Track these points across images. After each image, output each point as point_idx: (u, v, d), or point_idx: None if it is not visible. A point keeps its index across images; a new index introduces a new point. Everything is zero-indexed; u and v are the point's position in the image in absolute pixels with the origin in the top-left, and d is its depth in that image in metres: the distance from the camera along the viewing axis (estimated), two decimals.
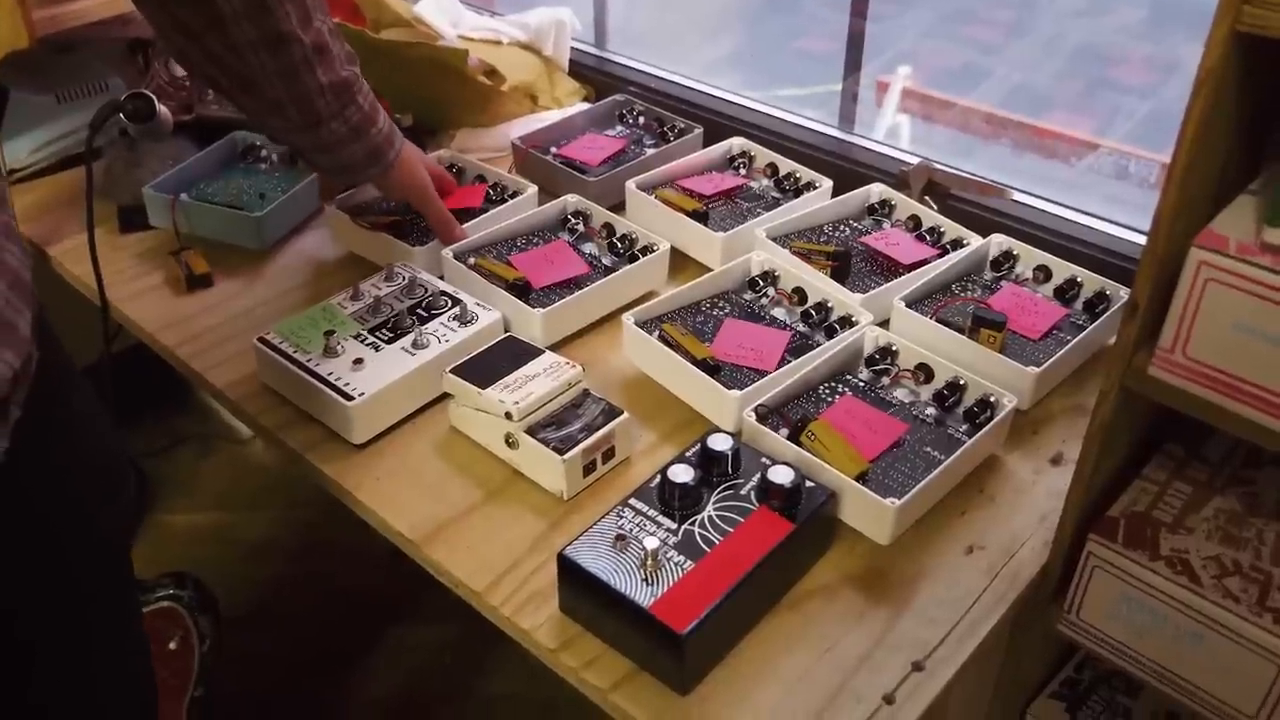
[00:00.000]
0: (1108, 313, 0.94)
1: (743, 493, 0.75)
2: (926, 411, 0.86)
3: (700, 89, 1.38)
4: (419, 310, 0.94)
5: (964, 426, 0.85)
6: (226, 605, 1.34)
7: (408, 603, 1.51)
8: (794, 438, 0.80)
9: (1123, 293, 0.95)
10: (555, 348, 0.95)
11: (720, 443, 0.77)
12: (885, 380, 0.89)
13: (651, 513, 0.74)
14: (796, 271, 0.97)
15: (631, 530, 0.73)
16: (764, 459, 0.78)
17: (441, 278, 0.99)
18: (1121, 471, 0.81)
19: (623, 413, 0.84)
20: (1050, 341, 0.93)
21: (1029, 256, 1.01)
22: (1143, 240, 1.05)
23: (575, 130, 1.24)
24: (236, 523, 1.67)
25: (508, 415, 0.82)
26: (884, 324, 0.94)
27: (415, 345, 0.90)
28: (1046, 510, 0.83)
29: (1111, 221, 1.09)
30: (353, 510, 0.85)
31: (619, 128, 1.26)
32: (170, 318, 1.02)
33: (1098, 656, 0.78)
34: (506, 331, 0.94)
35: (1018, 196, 1.11)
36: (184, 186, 1.12)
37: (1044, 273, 1.00)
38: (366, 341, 0.91)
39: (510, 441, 0.84)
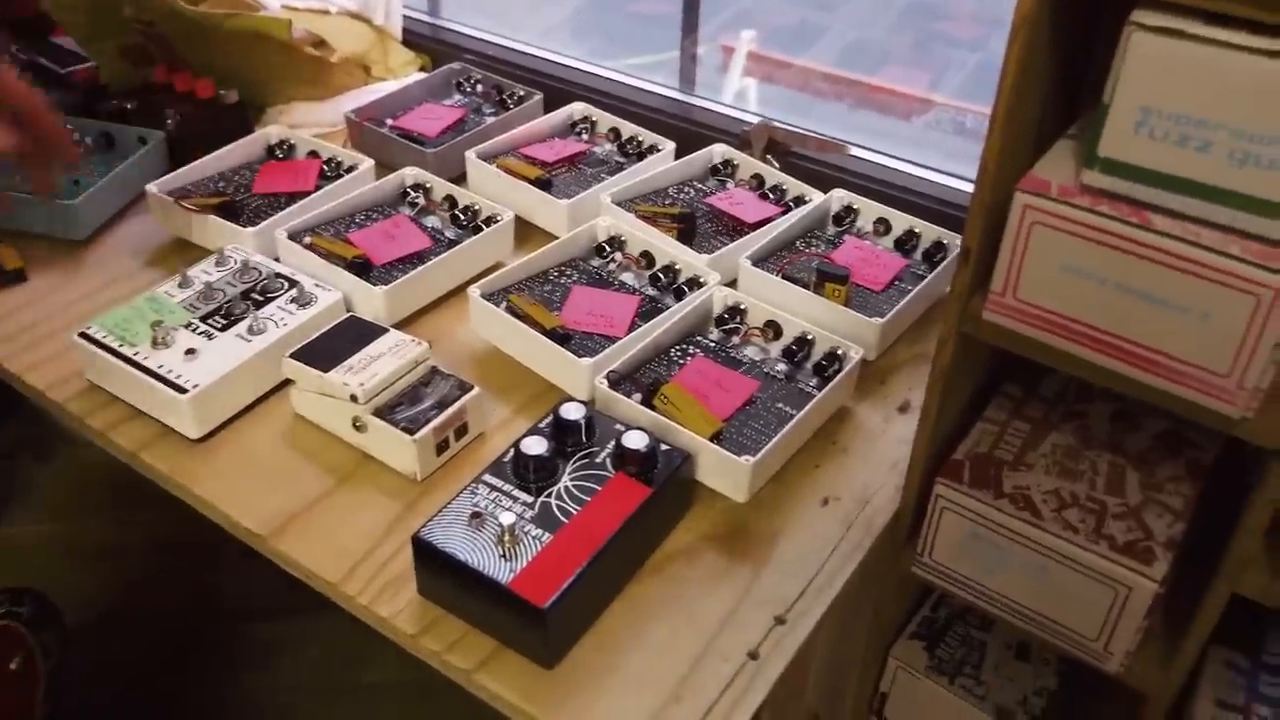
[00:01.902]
0: (945, 261, 0.96)
1: (598, 461, 0.75)
2: (777, 368, 0.87)
3: (539, 54, 1.35)
4: (254, 294, 0.90)
5: (814, 380, 0.86)
6: (74, 617, 1.27)
7: (267, 599, 1.46)
8: (647, 402, 0.80)
9: (959, 241, 0.97)
10: (400, 326, 0.92)
11: (572, 412, 0.76)
12: (735, 339, 0.89)
13: (507, 487, 0.73)
14: (643, 235, 0.97)
15: (487, 507, 0.71)
16: (618, 425, 0.77)
17: (276, 259, 0.95)
18: (965, 415, 0.83)
19: (474, 388, 0.82)
20: (893, 292, 0.95)
21: (869, 210, 1.02)
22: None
23: (412, 101, 1.20)
24: (79, 530, 1.59)
25: (353, 398, 0.79)
26: (732, 283, 0.94)
27: (251, 331, 0.86)
28: (897, 458, 0.84)
29: (944, 172, 1.12)
30: (196, 509, 0.81)
31: (457, 97, 1.23)
32: None
33: (951, 595, 0.81)
34: (348, 312, 0.91)
35: (855, 152, 1.13)
36: None
37: (884, 225, 1.01)
38: (199, 330, 0.86)
39: (358, 425, 0.81)
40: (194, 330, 0.86)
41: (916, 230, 1.00)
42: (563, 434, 0.76)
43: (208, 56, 1.15)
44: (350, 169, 1.06)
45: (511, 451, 0.74)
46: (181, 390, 0.81)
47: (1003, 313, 0.67)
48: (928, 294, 0.95)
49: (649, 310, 0.92)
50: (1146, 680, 0.75)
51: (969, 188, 1.08)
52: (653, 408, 0.79)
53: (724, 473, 0.77)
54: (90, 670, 1.34)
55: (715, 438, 0.78)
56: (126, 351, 0.84)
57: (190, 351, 0.84)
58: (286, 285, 0.91)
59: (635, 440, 0.74)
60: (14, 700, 1.16)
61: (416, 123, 1.15)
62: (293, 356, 0.83)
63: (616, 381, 0.82)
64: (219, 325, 0.87)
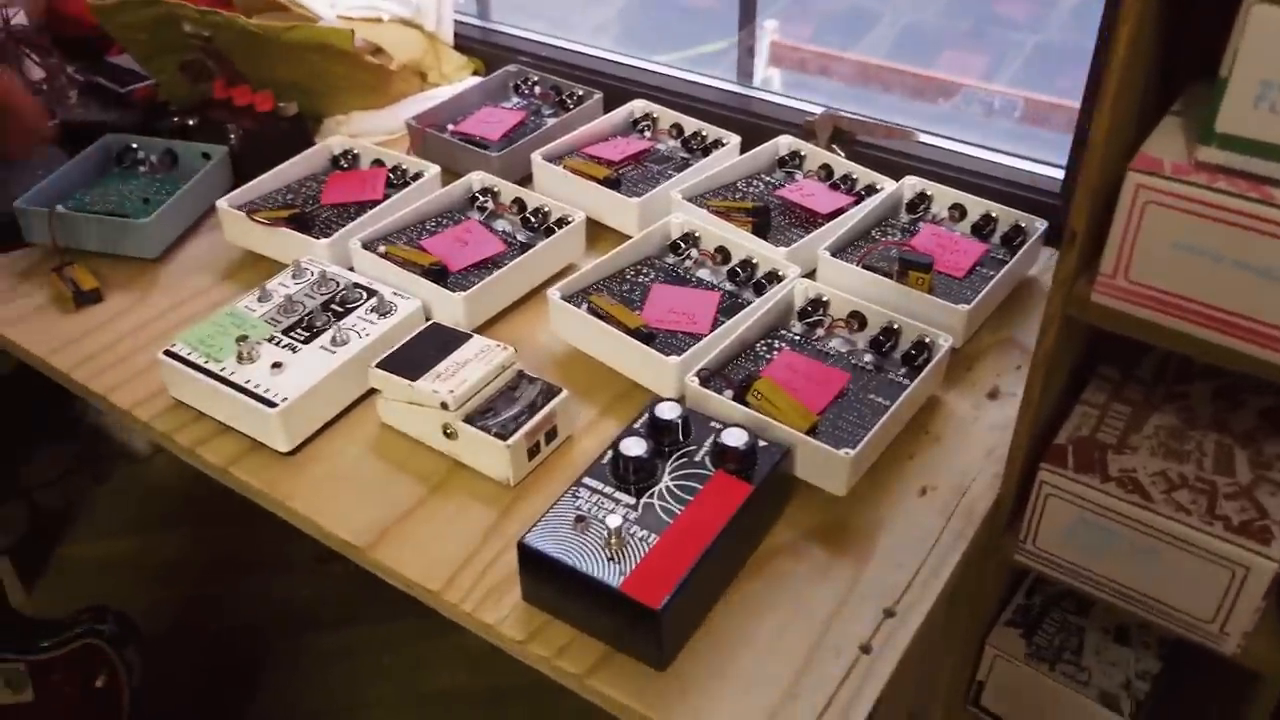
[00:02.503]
0: (1026, 245, 0.95)
1: (697, 459, 0.74)
2: (864, 359, 0.86)
3: (594, 54, 1.35)
4: (333, 305, 0.90)
5: (903, 370, 0.85)
6: (148, 632, 1.28)
7: (338, 608, 1.47)
8: (740, 398, 0.79)
9: (1038, 224, 0.96)
10: (479, 331, 0.92)
11: (668, 411, 0.75)
12: (820, 331, 0.88)
13: (608, 490, 0.72)
14: (718, 230, 0.96)
15: (590, 510, 0.71)
16: (713, 423, 0.76)
17: (351, 269, 0.95)
18: (1062, 399, 0.82)
19: (561, 391, 0.82)
20: (975, 278, 0.93)
21: (943, 196, 1.01)
22: (1049, 172, 1.08)
23: (470, 106, 1.20)
24: (146, 546, 1.60)
25: (443, 405, 0.79)
26: (810, 275, 0.93)
27: (335, 342, 0.86)
28: (991, 444, 0.83)
29: (1017, 155, 1.10)
30: (287, 521, 0.81)
31: (515, 99, 1.22)
32: (60, 339, 0.96)
33: (1054, 581, 0.79)
34: (428, 319, 0.90)
35: (923, 138, 1.12)
36: (59, 198, 1.05)
37: (959, 211, 1.00)
38: (282, 344, 0.86)
39: (448, 432, 0.81)
40: (278, 344, 0.86)
41: (994, 214, 0.98)
42: (660, 434, 0.75)
43: (267, 69, 1.15)
44: (417, 176, 1.06)
45: (610, 453, 0.74)
46: (271, 404, 0.81)
47: (1113, 294, 0.65)
48: (1010, 279, 0.93)
49: (729, 306, 0.91)
50: (1263, 660, 0.74)
51: (1044, 170, 1.09)
52: (746, 404, 0.78)
53: (822, 467, 0.76)
54: (168, 685, 1.35)
55: (811, 431, 0.77)
56: (213, 368, 0.84)
57: (276, 365, 0.84)
58: (365, 295, 0.91)
59: (734, 438, 0.73)
60: (102, 717, 1.17)
61: (478, 127, 1.15)
62: (379, 366, 0.82)
63: (707, 379, 0.81)
64: (302, 338, 0.87)
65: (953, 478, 0.81)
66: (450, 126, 1.15)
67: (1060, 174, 1.06)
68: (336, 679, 1.40)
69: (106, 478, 1.72)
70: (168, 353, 0.86)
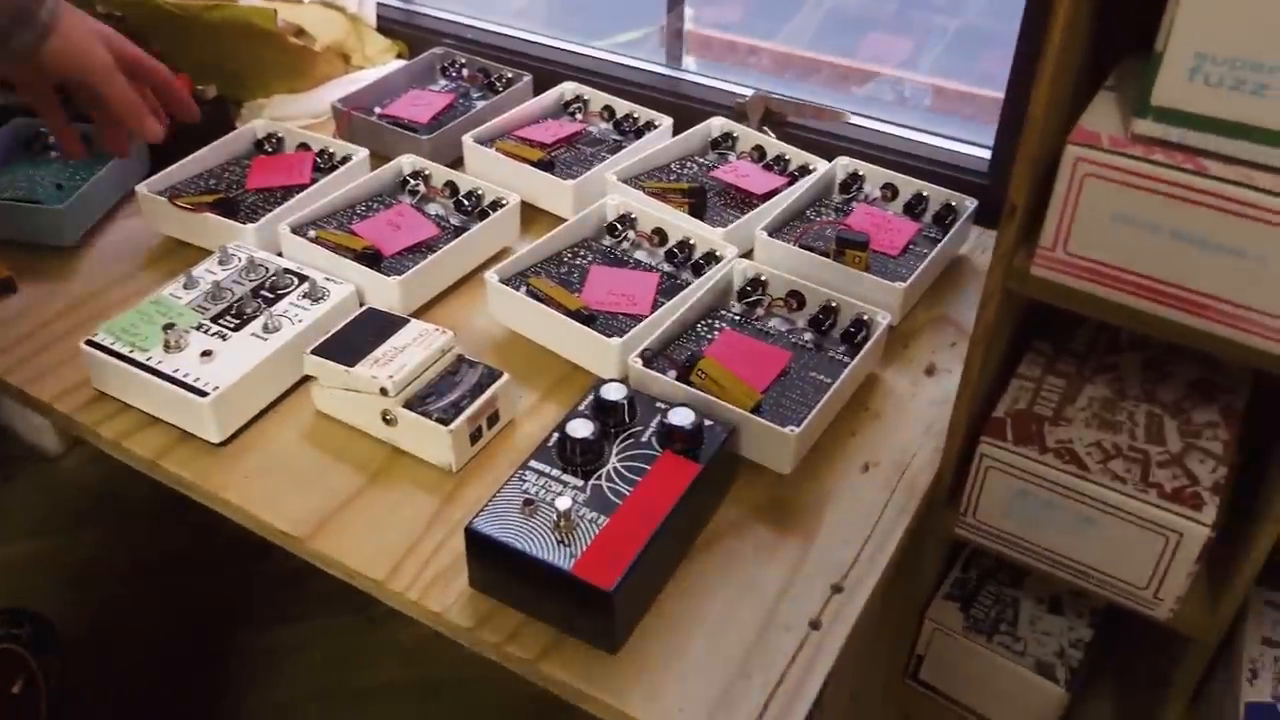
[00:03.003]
0: (958, 223, 0.96)
1: (643, 440, 0.74)
2: (804, 337, 0.86)
3: (520, 35, 1.33)
4: (263, 291, 0.88)
5: (842, 348, 0.85)
6: (67, 635, 1.23)
7: (265, 606, 1.43)
8: (683, 378, 0.79)
9: (968, 203, 0.97)
10: (416, 316, 0.90)
11: (614, 392, 0.75)
12: (759, 311, 0.89)
13: (555, 472, 0.71)
14: (655, 212, 0.96)
15: (538, 493, 0.70)
16: (658, 403, 0.76)
17: (280, 255, 0.93)
18: (998, 374, 0.83)
19: (503, 374, 0.81)
20: (909, 256, 0.94)
21: (875, 176, 1.02)
22: (975, 152, 1.10)
23: (397, 89, 1.17)
24: (62, 547, 1.54)
25: (383, 391, 0.77)
26: (747, 255, 0.93)
27: (266, 329, 0.84)
28: (930, 419, 0.84)
29: (944, 136, 1.12)
30: (209, 518, 0.79)
31: (443, 82, 1.20)
32: None
33: (992, 553, 0.81)
34: (362, 304, 0.88)
35: (853, 119, 1.13)
36: None
37: (891, 190, 1.01)
38: (211, 331, 0.83)
39: (388, 419, 0.79)
40: (206, 331, 0.83)
41: (925, 194, 1.00)
42: (605, 415, 0.74)
43: (185, 51, 1.11)
44: (345, 160, 1.04)
45: (556, 436, 0.73)
46: (202, 394, 0.78)
47: (1053, 267, 0.66)
48: (943, 256, 0.95)
49: (669, 287, 0.91)
50: (1194, 625, 0.76)
51: (971, 150, 1.10)
52: (690, 384, 0.78)
53: (768, 445, 0.76)
54: (88, 690, 1.30)
55: (755, 410, 0.77)
56: (139, 357, 0.81)
57: (206, 353, 0.81)
58: (296, 281, 0.89)
59: (681, 417, 0.73)
60: None
61: (406, 110, 1.12)
62: (314, 353, 0.80)
63: (650, 359, 0.81)
64: (232, 325, 0.84)
65: (894, 453, 0.82)
66: (377, 110, 1.13)
67: (987, 154, 1.08)
68: (266, 677, 1.37)
69: (13, 477, 1.65)
70: (90, 343, 0.83)
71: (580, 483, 0.71)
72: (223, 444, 0.81)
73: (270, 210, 0.96)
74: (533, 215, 1.02)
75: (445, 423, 0.77)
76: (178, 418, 0.81)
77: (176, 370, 0.80)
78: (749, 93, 1.14)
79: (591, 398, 0.76)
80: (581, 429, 0.72)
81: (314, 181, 1.01)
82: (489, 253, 0.98)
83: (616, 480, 0.71)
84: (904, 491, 0.79)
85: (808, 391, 0.81)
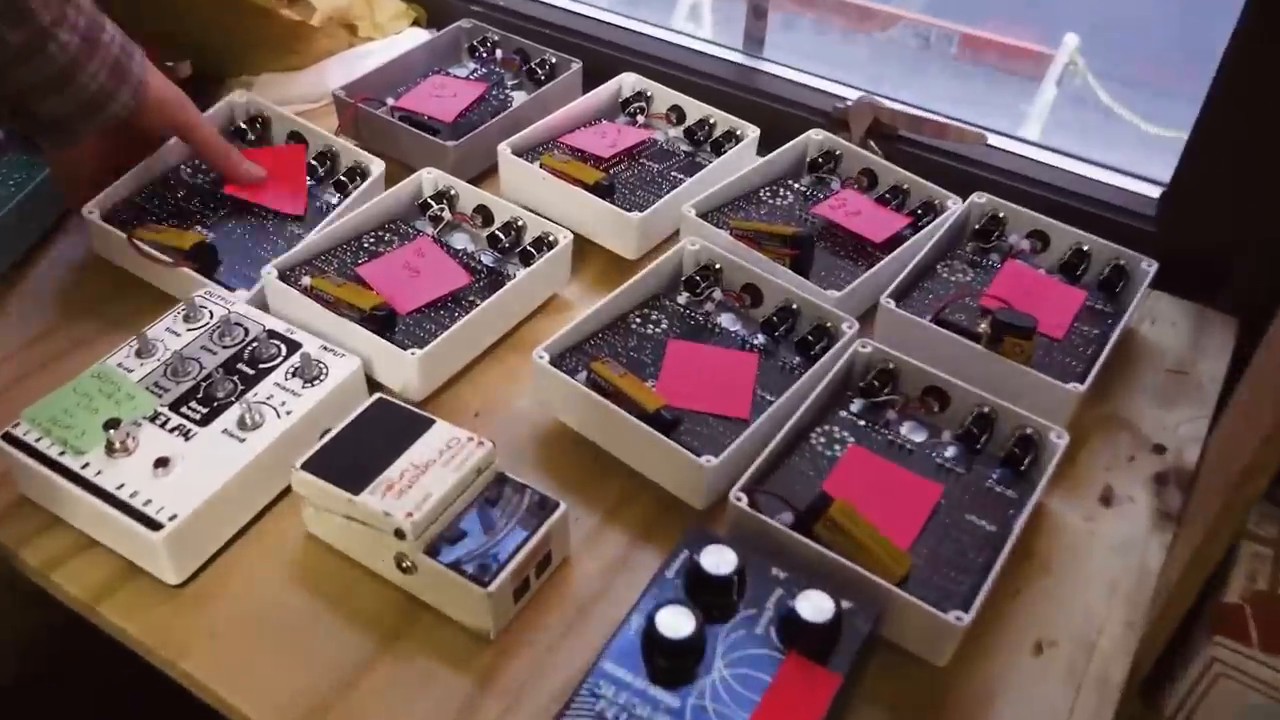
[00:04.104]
0: (1137, 296, 0.75)
1: (758, 633, 0.53)
2: (946, 454, 0.66)
3: (567, 7, 1.10)
4: (240, 365, 0.67)
5: (996, 472, 0.65)
6: None
7: None
8: (803, 524, 0.59)
9: (1145, 265, 0.76)
10: (438, 393, 0.70)
11: (719, 563, 0.54)
12: (890, 414, 0.68)
13: (639, 684, 0.51)
14: (747, 263, 0.74)
15: (618, 716, 0.50)
16: (774, 570, 0.56)
17: (265, 307, 0.72)
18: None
19: (559, 505, 0.60)
20: (1075, 339, 0.73)
21: (1018, 219, 0.81)
22: (1137, 187, 0.88)
23: (414, 71, 0.95)
24: None
25: (398, 534, 0.57)
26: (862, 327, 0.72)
27: (244, 424, 0.63)
28: (1114, 575, 0.64)
29: (1099, 165, 0.90)
30: (172, 679, 0.59)
31: (471, 65, 0.98)
32: None
33: None
34: (370, 388, 0.68)
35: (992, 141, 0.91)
36: None
37: (1041, 241, 0.80)
38: (170, 425, 0.63)
39: (404, 566, 0.59)
40: (164, 425, 0.62)
41: (1085, 248, 0.78)
42: (704, 593, 0.54)
43: (154, 21, 0.88)
44: (353, 174, 0.81)
45: (640, 625, 0.53)
46: (154, 525, 0.58)
47: None
48: (1119, 340, 0.74)
49: (768, 371, 0.70)
50: None
51: (1128, 184, 0.88)
52: (813, 535, 0.58)
53: (921, 631, 0.56)
54: None
55: (905, 580, 0.57)
56: (71, 463, 0.60)
57: (162, 462, 0.60)
58: (284, 349, 0.67)
59: (815, 609, 0.52)
60: None
61: (426, 102, 0.90)
62: (307, 468, 0.60)
63: (756, 494, 0.60)
64: (197, 416, 0.63)
65: (1074, 627, 0.61)
66: (390, 101, 0.91)
67: (1154, 191, 0.87)
68: None
69: None
70: (7, 436, 0.62)
71: (675, 703, 0.50)
72: (183, 584, 0.61)
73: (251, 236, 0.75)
74: (584, 247, 0.81)
75: (483, 582, 0.56)
76: (124, 547, 0.61)
77: (121, 487, 0.59)
78: (853, 96, 0.92)
79: (683, 562, 0.55)
80: (678, 623, 0.51)
81: (312, 199, 0.80)
82: (532, 305, 0.77)
83: (726, 699, 0.51)
84: (1094, 689, 0.59)
85: (965, 545, 0.60)
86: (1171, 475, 0.70)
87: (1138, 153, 1.06)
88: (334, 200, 0.81)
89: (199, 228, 0.78)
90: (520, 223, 0.78)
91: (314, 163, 0.83)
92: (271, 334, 0.68)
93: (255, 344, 0.67)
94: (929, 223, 0.81)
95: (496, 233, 0.78)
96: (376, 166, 0.81)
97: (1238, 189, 0.80)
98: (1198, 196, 0.82)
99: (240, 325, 0.69)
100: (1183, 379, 0.77)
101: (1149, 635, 0.59)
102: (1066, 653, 0.60)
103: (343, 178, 0.81)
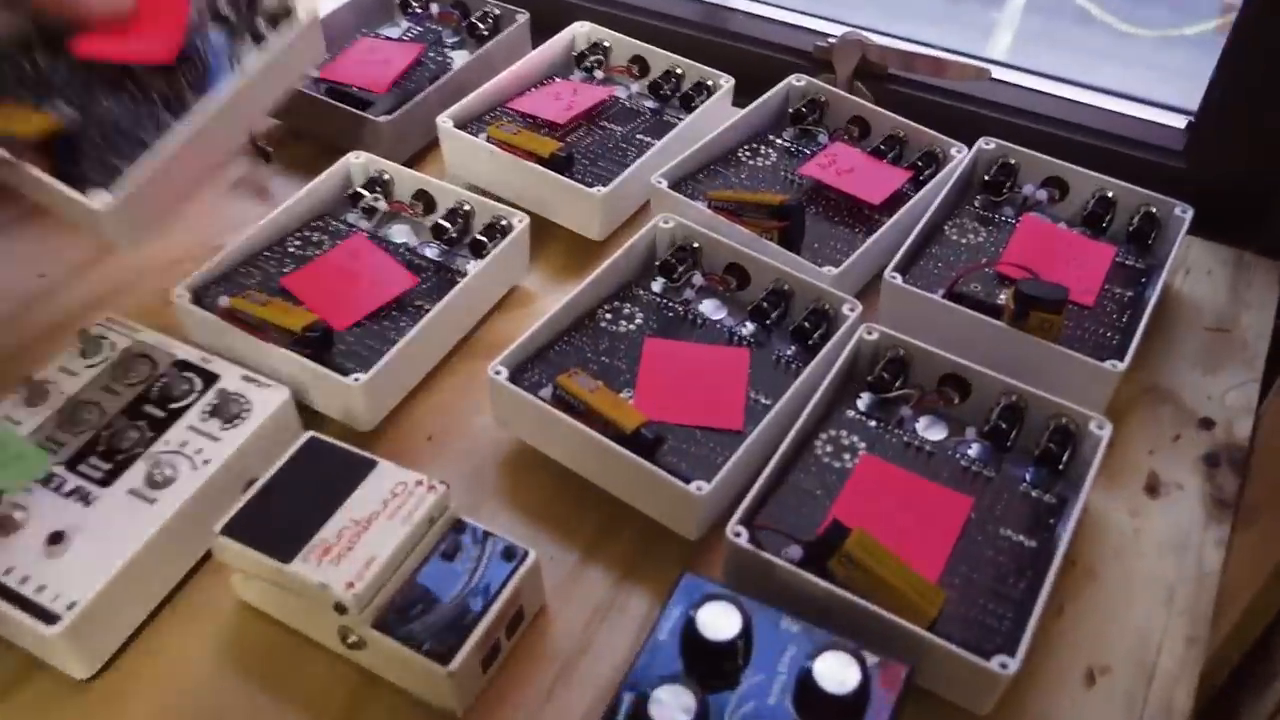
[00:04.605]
0: (1175, 246, 0.65)
1: (770, 702, 0.45)
2: (971, 454, 0.57)
3: None
4: (147, 406, 0.57)
5: (1030, 472, 0.56)
6: None
7: None
8: (814, 559, 0.50)
9: (1179, 211, 0.67)
10: (388, 417, 0.61)
11: (720, 625, 0.45)
12: (905, 411, 0.59)
13: None
14: (729, 240, 0.65)
15: None
16: (784, 623, 0.47)
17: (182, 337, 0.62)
18: None
19: (527, 554, 0.52)
20: (1107, 303, 0.64)
21: (1033, 166, 0.71)
22: (1159, 117, 0.78)
23: (339, 34, 0.84)
24: None
25: (339, 608, 0.48)
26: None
27: (152, 482, 0.54)
28: (1169, 579, 0.56)
29: (1119, 95, 0.80)
30: None
31: (404, 24, 0.87)
32: None
33: None
34: (303, 425, 0.59)
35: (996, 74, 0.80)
36: None
37: (1060, 189, 0.71)
38: (66, 488, 0.53)
39: (351, 642, 0.50)
40: (58, 488, 0.53)
41: (1110, 194, 0.69)
42: (704, 658, 0.46)
43: None
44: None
45: (629, 704, 0.44)
46: (50, 619, 0.49)
47: None
48: (1160, 300, 0.64)
49: (761, 367, 0.61)
50: None
51: (1153, 115, 0.79)
52: (827, 573, 0.49)
53: (963, 682, 0.48)
54: None
55: (937, 620, 0.49)
56: None
57: (56, 538, 0.51)
58: (198, 384, 0.58)
59: (836, 676, 0.44)
60: None
61: (355, 71, 0.79)
62: (228, 533, 0.51)
63: (755, 525, 0.51)
64: (98, 475, 0.54)
65: (1128, 647, 0.53)
66: (314, 72, 0.80)
67: (1180, 121, 0.77)
68: None
69: None
70: None
71: None
72: (94, 676, 0.52)
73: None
74: (544, 229, 0.72)
75: (443, 658, 0.48)
76: (21, 640, 0.52)
77: (9, 572, 0.50)
78: (838, 33, 0.81)
79: (677, 620, 0.47)
80: (679, 706, 0.43)
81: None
82: (490, 303, 0.68)
83: None
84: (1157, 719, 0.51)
85: (1002, 568, 0.52)
86: (1223, 454, 0.61)
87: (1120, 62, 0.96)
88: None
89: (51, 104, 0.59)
90: (467, 207, 0.68)
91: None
92: (183, 365, 0.59)
93: (164, 380, 0.58)
94: (931, 176, 0.71)
95: (441, 222, 0.68)
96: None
97: (1272, 111, 0.71)
98: (1230, 125, 0.73)
99: (145, 357, 0.59)
100: (1226, 338, 0.68)
101: (1217, 656, 0.51)
102: (1123, 679, 0.52)
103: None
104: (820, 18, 0.86)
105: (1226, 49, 0.71)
